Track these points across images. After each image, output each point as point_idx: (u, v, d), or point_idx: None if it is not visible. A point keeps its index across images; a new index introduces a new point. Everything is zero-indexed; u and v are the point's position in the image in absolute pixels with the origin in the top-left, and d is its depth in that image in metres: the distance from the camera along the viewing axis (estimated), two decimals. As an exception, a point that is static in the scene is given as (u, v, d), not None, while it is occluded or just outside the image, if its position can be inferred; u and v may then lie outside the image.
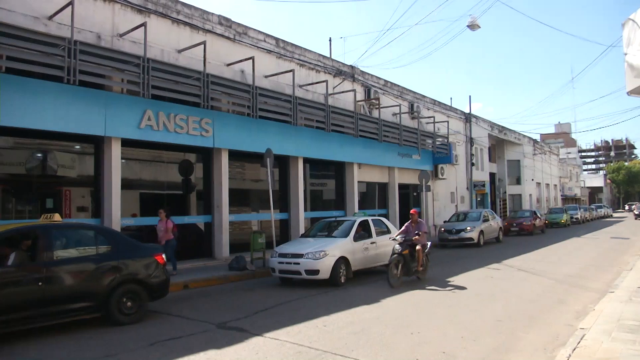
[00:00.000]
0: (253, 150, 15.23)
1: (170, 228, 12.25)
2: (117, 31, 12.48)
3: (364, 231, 12.51)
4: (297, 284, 11.49)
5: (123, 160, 12.62)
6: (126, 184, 12.74)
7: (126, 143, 12.60)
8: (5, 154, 11.75)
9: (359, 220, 12.67)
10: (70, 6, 10.82)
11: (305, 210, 17.99)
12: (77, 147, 12.86)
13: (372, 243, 12.46)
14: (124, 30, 12.47)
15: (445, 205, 27.82)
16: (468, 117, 31.47)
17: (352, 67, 20.92)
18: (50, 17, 11.16)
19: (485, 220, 21.91)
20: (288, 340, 6.67)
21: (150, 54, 12.36)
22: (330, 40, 26.16)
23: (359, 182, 20.63)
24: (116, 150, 12.23)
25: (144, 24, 12.17)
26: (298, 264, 11.03)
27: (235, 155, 15.59)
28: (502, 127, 37.72)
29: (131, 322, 7.71)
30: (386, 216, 20.91)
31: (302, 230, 16.73)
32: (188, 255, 14.24)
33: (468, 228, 20.57)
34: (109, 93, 12.18)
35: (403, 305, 9.02)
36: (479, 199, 33.32)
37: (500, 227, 23.59)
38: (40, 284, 6.93)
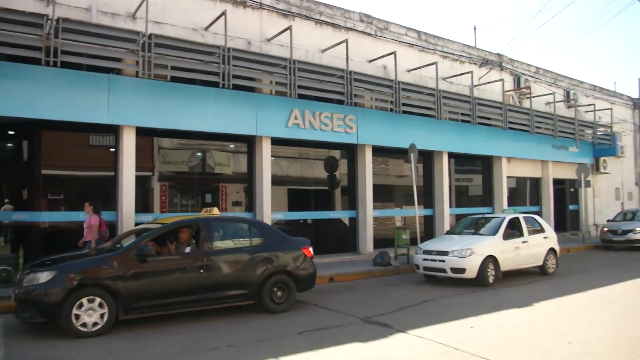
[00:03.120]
0: (397, 145, 15.14)
1: (93, 226, 9.49)
2: (264, 36, 13.22)
3: (514, 229, 11.77)
4: (442, 282, 11.19)
5: (272, 158, 13.35)
6: (276, 180, 13.45)
7: (275, 141, 13.30)
8: (172, 154, 13.09)
9: (508, 217, 11.96)
10: (223, 16, 11.71)
11: (450, 206, 17.45)
12: (232, 146, 13.86)
13: (523, 242, 11.69)
14: (271, 34, 13.17)
15: (608, 202, 25.12)
16: (637, 103, 28.04)
17: (499, 55, 19.81)
18: (206, 28, 12.21)
19: (660, 219, 19.31)
20: (433, 339, 6.50)
21: (295, 56, 12.89)
22: (474, 28, 25.03)
23: (508, 177, 19.46)
24: (266, 148, 12.99)
25: (289, 28, 12.76)
26: (443, 261, 10.74)
27: (379, 151, 15.63)
28: (680, 113, 32.98)
29: (281, 311, 8.11)
30: (539, 214, 19.50)
31: (447, 227, 16.28)
32: (333, 249, 14.63)
33: (637, 229, 18.30)
34: (259, 95, 12.95)
35: (560, 310, 8.32)
36: (650, 195, 29.53)
37: (680, 228, 20.61)
38: (202, 271, 7.60)
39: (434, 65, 15.91)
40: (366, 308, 8.45)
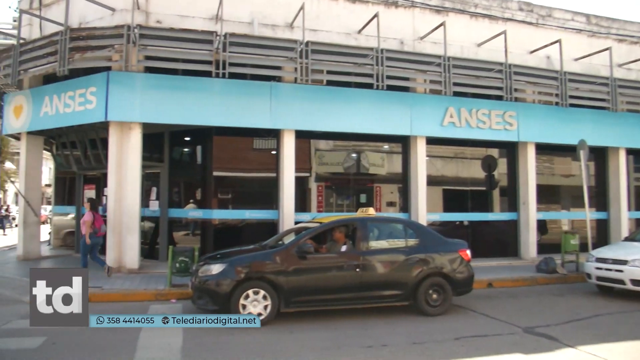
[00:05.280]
0: (563, 142, 13.94)
1: (87, 222, 10.23)
2: (417, 34, 13.05)
3: None
4: (618, 294, 9.96)
5: (427, 158, 13.13)
6: (430, 181, 13.22)
7: (430, 141, 13.09)
8: (327, 156, 13.57)
9: None
10: (376, 19, 11.83)
11: (629, 209, 15.52)
12: (386, 147, 13.92)
13: None
14: (423, 32, 12.96)
15: None
16: None
17: (692, 33, 17.17)
18: (359, 31, 12.44)
19: None
20: (608, 358, 5.84)
21: (449, 52, 12.50)
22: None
23: None
24: (421, 148, 12.84)
25: (442, 24, 12.43)
26: (621, 271, 9.55)
27: (543, 149, 14.51)
28: None
29: (436, 314, 7.94)
30: None
31: (624, 233, 14.52)
32: (491, 253, 13.91)
33: None
34: (413, 94, 12.84)
35: None
36: None
37: None
38: (357, 270, 7.74)
39: (607, 51, 14.32)
40: (528, 317, 7.90)
